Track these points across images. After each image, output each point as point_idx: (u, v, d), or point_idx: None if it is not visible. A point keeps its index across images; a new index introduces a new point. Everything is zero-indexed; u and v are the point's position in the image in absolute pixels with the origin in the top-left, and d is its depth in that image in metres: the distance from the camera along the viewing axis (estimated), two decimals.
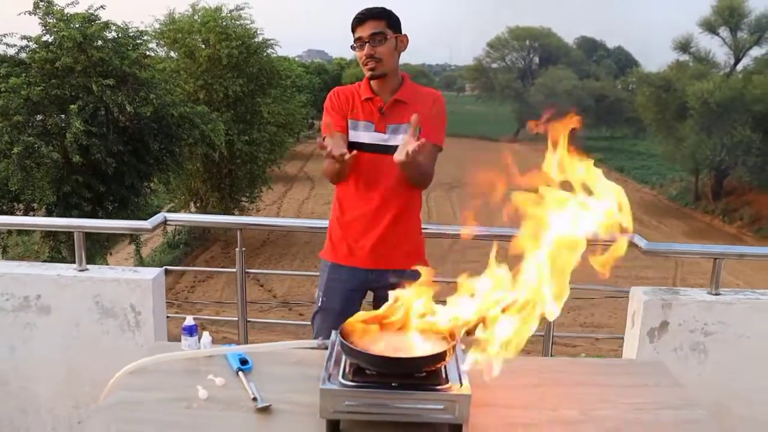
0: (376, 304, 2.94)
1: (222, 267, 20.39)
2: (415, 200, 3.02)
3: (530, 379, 1.77)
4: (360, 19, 2.83)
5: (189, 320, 2.08)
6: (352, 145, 2.88)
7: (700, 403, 1.97)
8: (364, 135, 2.90)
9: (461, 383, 1.69)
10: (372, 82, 2.93)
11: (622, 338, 3.51)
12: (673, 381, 2.09)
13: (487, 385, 1.74)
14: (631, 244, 3.38)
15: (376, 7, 2.87)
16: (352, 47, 2.88)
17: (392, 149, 2.77)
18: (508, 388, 1.78)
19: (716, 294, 3.30)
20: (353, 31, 2.85)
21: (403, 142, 2.68)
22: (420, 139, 2.58)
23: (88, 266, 3.35)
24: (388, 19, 2.85)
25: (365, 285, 3.01)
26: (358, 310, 3.00)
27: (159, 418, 1.76)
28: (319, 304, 3.05)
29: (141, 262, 17.11)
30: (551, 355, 3.70)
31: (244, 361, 2.00)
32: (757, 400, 3.29)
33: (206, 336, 2.07)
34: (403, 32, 2.92)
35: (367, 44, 2.81)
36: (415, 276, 2.89)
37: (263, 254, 19.51)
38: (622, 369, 2.26)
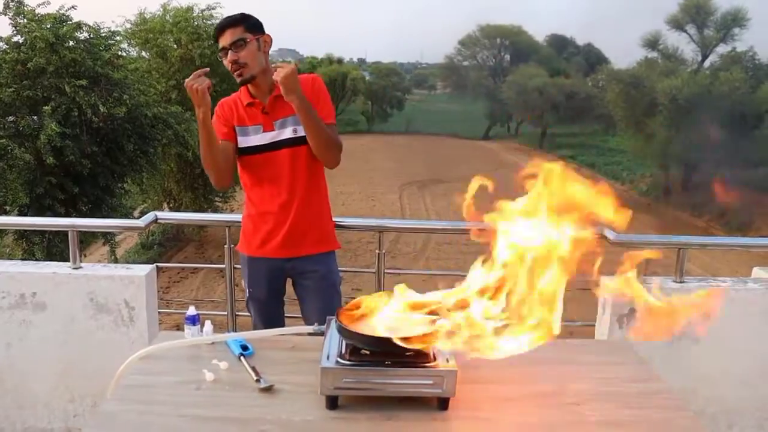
0: (297, 291, 3.23)
1: (196, 267, 20.43)
2: (319, 186, 3.15)
3: (509, 359, 1.93)
4: (219, 29, 2.93)
5: (192, 310, 2.22)
6: (247, 150, 3.05)
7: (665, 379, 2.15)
8: (255, 138, 3.04)
9: (448, 360, 1.87)
10: (249, 87, 3.06)
11: (594, 325, 3.69)
12: (638, 359, 2.28)
13: (472, 364, 1.91)
14: (601, 237, 3.57)
15: (233, 15, 2.97)
16: (219, 57, 2.99)
17: (285, 142, 3.01)
18: (491, 366, 1.95)
19: (681, 282, 3.49)
20: (216, 41, 2.96)
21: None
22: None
23: (83, 264, 3.47)
24: (245, 24, 2.93)
25: (283, 273, 3.20)
26: (284, 293, 3.26)
27: (172, 398, 1.90)
28: (248, 294, 3.25)
29: (116, 263, 17.06)
30: None
31: (244, 348, 2.15)
32: (720, 381, 3.49)
33: (208, 325, 2.22)
34: (265, 32, 3.01)
35: (230, 52, 2.90)
36: (327, 259, 3.16)
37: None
38: (593, 349, 2.46)
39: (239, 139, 3.05)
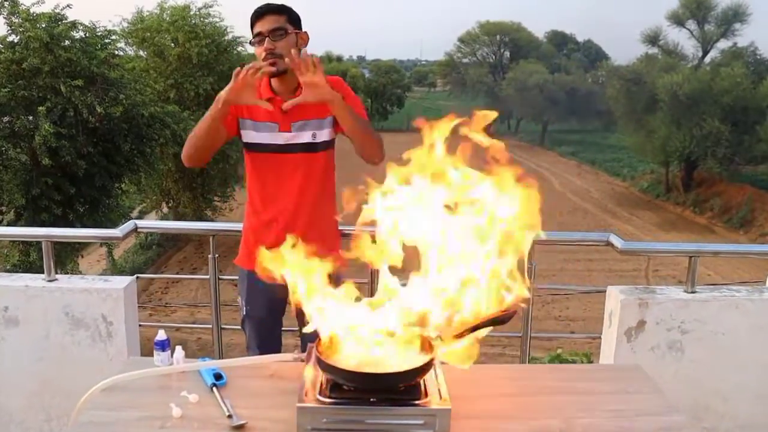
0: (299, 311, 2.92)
1: (195, 267, 20.28)
2: (330, 197, 2.95)
3: (509, 388, 1.75)
4: (259, 14, 2.73)
5: (161, 335, 2.03)
6: (257, 147, 2.83)
7: (679, 404, 1.96)
8: (268, 136, 2.81)
9: (441, 396, 1.67)
10: (272, 80, 2.82)
11: (599, 337, 3.51)
12: (653, 387, 2.08)
13: (466, 396, 1.72)
14: (608, 244, 3.38)
15: (275, 2, 2.76)
16: (251, 43, 2.78)
17: (301, 146, 2.79)
18: (487, 398, 1.76)
19: (692, 292, 3.31)
20: (252, 26, 2.75)
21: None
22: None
23: (57, 276, 3.28)
24: (288, 15, 2.75)
25: (285, 289, 2.90)
26: (283, 313, 3.02)
27: None
28: (245, 312, 3.01)
29: (113, 265, 16.92)
30: (529, 353, 3.69)
31: (218, 376, 1.95)
32: (734, 396, 3.31)
33: (179, 351, 2.02)
34: (303, 29, 2.83)
35: (267, 39, 2.70)
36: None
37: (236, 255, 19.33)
38: (601, 375, 2.25)
39: (248, 133, 2.83)
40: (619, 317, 3.24)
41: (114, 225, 16.49)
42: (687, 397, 3.18)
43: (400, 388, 1.65)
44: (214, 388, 1.90)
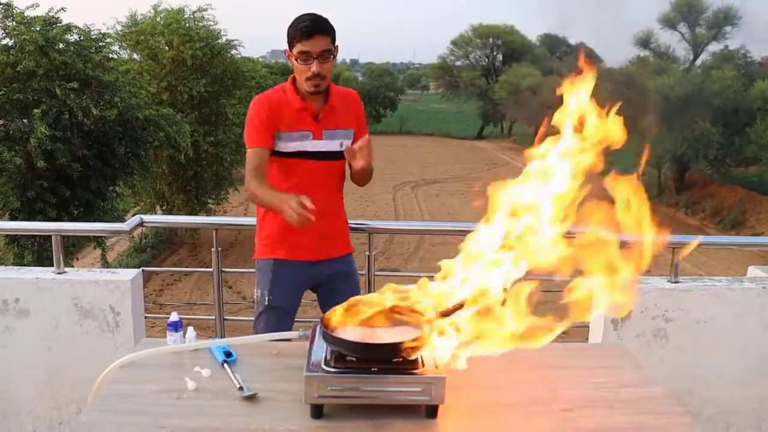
0: (323, 294, 3.11)
1: (188, 272, 20.32)
2: (342, 196, 3.13)
3: (498, 363, 1.90)
4: (308, 33, 2.70)
5: (174, 316, 2.16)
6: (290, 154, 2.91)
7: (662, 383, 2.09)
8: (302, 144, 2.90)
9: (437, 366, 1.81)
10: (298, 89, 2.89)
11: (587, 326, 3.64)
12: (633, 362, 2.23)
13: (460, 370, 1.86)
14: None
15: (323, 20, 2.77)
16: (295, 58, 2.76)
17: (330, 154, 2.93)
18: (480, 372, 1.91)
19: (675, 282, 3.44)
20: (294, 39, 2.73)
21: (350, 153, 2.80)
22: (362, 140, 2.80)
23: (67, 269, 3.41)
24: (333, 35, 2.78)
25: (309, 278, 3.07)
26: (299, 304, 3.11)
27: (152, 408, 1.84)
28: (266, 303, 3.02)
29: (107, 267, 16.92)
30: None
31: (228, 354, 2.09)
32: (716, 382, 3.44)
33: (191, 331, 2.16)
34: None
35: (316, 61, 2.73)
36: (350, 259, 3.11)
37: (231, 256, 19.52)
38: (587, 353, 2.43)
39: (282, 144, 2.89)
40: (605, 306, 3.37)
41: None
42: (671, 383, 3.31)
43: (399, 359, 1.79)
44: (225, 365, 2.04)
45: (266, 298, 3.02)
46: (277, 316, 3.02)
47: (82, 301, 3.31)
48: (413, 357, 1.80)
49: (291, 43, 2.76)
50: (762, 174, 30.79)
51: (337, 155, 2.94)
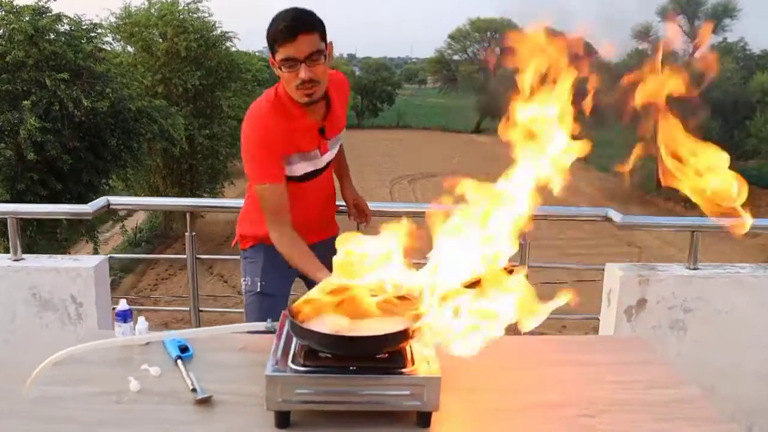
0: (310, 285, 2.72)
1: (185, 264, 20.03)
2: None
3: (501, 360, 1.58)
4: (290, 34, 2.19)
5: (122, 304, 1.85)
6: (298, 179, 2.51)
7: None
8: (312, 164, 2.51)
9: (429, 365, 1.49)
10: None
11: (597, 319, 3.34)
12: (658, 358, 1.92)
13: (457, 368, 1.54)
14: (606, 219, 3.22)
15: (307, 15, 2.25)
16: (278, 66, 2.26)
17: (332, 161, 2.63)
18: (478, 370, 1.59)
19: (694, 269, 3.15)
20: (278, 45, 2.22)
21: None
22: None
23: (24, 255, 3.10)
24: (322, 30, 2.27)
25: None
26: (290, 295, 2.75)
27: (83, 414, 1.53)
28: (258, 289, 2.66)
29: None
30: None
31: (184, 349, 1.77)
32: (740, 377, 3.15)
33: (141, 321, 1.84)
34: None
35: (303, 66, 2.22)
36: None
37: (225, 250, 19.19)
38: (605, 346, 2.07)
39: (295, 167, 2.46)
40: (618, 295, 3.08)
41: (102, 222, 16.34)
42: (690, 379, 3.02)
43: (383, 355, 1.48)
44: (179, 361, 1.72)
45: (258, 285, 2.66)
46: (271, 302, 2.64)
47: (41, 291, 3.01)
48: (401, 352, 1.48)
49: (272, 48, 2.25)
50: (761, 167, 30.59)
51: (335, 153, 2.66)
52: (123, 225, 17.37)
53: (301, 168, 2.47)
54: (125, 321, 1.84)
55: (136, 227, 21.34)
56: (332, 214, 2.85)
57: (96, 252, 16.04)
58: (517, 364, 1.69)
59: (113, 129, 14.10)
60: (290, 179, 2.45)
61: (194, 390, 1.59)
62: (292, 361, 1.47)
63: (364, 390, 1.45)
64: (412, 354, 1.51)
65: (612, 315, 3.11)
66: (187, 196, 21.54)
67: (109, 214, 12.96)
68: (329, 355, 1.48)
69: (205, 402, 1.55)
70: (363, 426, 1.46)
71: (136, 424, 1.48)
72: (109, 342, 1.77)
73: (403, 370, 1.46)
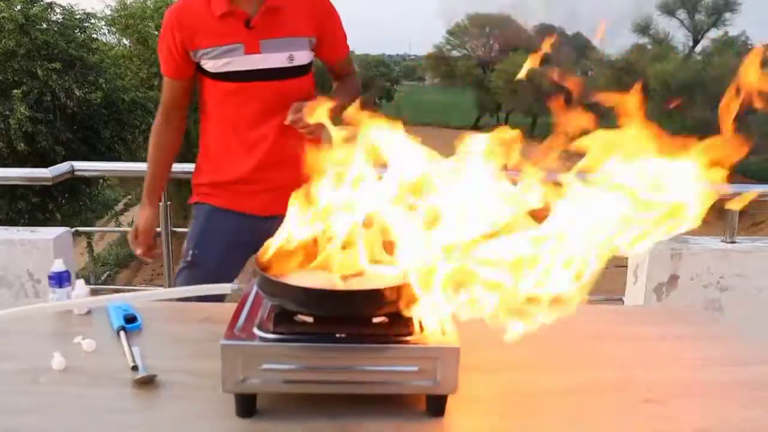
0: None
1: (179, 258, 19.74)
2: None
3: (537, 331, 1.17)
4: None
5: (58, 265, 1.48)
6: (215, 76, 2.18)
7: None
8: (228, 62, 2.16)
9: (444, 332, 1.11)
10: None
11: (620, 300, 2.99)
12: (734, 331, 1.55)
13: (479, 342, 1.16)
14: None
15: None
16: None
17: (274, 72, 2.17)
18: (507, 346, 1.19)
19: (732, 242, 2.82)
20: None
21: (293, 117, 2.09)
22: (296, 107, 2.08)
23: None
24: None
25: (251, 238, 1.91)
26: (239, 271, 2.32)
27: None
28: (188, 259, 2.28)
29: (94, 258, 16.34)
30: None
31: (131, 319, 1.41)
32: None
33: (81, 285, 1.48)
34: None
35: None
36: None
37: None
38: (651, 317, 1.66)
39: (206, 63, 2.17)
40: (647, 272, 2.73)
41: (98, 217, 16.05)
42: None
43: (381, 318, 1.11)
44: (122, 333, 1.35)
45: (189, 253, 2.27)
46: (201, 276, 2.17)
47: None
48: (406, 314, 1.11)
49: None
50: (762, 162, 30.48)
51: (287, 72, 2.19)
52: (117, 219, 17.08)
53: (224, 64, 2.15)
54: (60, 286, 1.47)
55: (133, 221, 21.05)
56: (299, 174, 2.20)
57: (89, 246, 15.75)
58: (555, 334, 1.28)
59: (107, 120, 13.84)
60: (216, 75, 2.17)
61: (135, 368, 1.22)
62: (259, 327, 1.10)
63: (354, 365, 1.08)
64: (420, 316, 1.12)
65: (639, 293, 2.77)
66: (183, 188, 21.23)
67: (76, 180, 12.65)
68: (309, 319, 1.11)
69: (148, 383, 1.19)
70: (353, 415, 1.10)
71: (53, 410, 1.11)
72: (35, 308, 1.39)
73: (409, 338, 1.09)
